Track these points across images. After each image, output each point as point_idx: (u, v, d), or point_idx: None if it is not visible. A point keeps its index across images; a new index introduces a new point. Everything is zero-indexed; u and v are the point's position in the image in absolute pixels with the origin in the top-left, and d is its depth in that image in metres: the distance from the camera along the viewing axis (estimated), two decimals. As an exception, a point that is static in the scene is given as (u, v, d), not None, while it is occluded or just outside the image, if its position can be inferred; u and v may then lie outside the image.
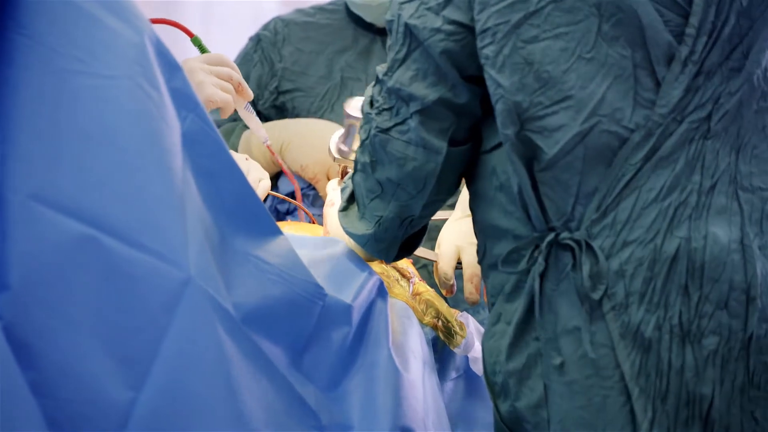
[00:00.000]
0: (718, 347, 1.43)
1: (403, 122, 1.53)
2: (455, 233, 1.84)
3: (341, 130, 1.94)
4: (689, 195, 1.44)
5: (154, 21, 1.98)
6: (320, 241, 1.77)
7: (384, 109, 1.54)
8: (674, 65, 1.45)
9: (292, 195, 2.33)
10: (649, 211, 1.44)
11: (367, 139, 1.57)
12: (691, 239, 1.43)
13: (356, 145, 1.82)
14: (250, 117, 2.05)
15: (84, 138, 1.27)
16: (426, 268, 2.31)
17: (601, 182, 1.44)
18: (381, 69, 1.55)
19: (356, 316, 1.58)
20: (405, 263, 1.89)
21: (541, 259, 1.46)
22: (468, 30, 1.48)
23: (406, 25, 1.50)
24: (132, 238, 1.26)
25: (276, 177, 2.38)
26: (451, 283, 1.82)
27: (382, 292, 1.67)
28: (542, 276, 1.46)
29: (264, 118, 2.52)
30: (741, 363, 1.44)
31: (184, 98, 1.39)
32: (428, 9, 1.49)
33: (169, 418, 1.25)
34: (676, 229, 1.44)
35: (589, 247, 1.43)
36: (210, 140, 1.41)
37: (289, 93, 2.51)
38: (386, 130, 1.54)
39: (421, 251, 1.85)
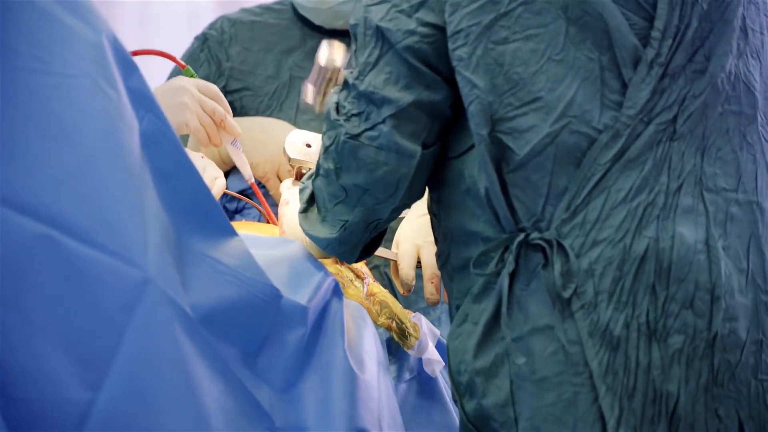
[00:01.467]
0: (683, 346, 1.45)
1: (372, 127, 1.52)
2: (413, 232, 1.84)
3: (298, 130, 1.93)
4: (657, 195, 1.46)
5: (142, 53, 1.98)
6: (274, 241, 1.77)
7: (353, 115, 1.54)
8: (641, 67, 1.47)
9: (242, 193, 2.32)
10: (618, 211, 1.46)
11: (332, 145, 1.56)
12: (659, 239, 1.45)
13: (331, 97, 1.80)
14: (236, 153, 2.06)
15: (42, 137, 1.26)
16: (378, 269, 2.31)
17: (570, 182, 1.46)
18: (350, 74, 1.55)
19: (311, 317, 1.58)
20: (358, 264, 1.88)
21: (511, 260, 1.47)
22: (441, 31, 1.49)
23: (377, 27, 1.50)
24: (90, 237, 1.25)
25: (226, 175, 2.37)
26: (413, 283, 1.83)
27: (337, 292, 1.67)
28: (512, 276, 1.47)
29: (212, 117, 2.51)
30: (705, 361, 1.46)
31: (141, 98, 1.38)
32: (400, 11, 1.49)
33: (127, 419, 1.25)
34: (645, 229, 1.45)
35: (560, 246, 1.45)
36: (166, 140, 1.40)
37: (237, 92, 2.50)
38: (356, 136, 1.54)
39: (379, 251, 1.85)
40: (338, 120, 1.55)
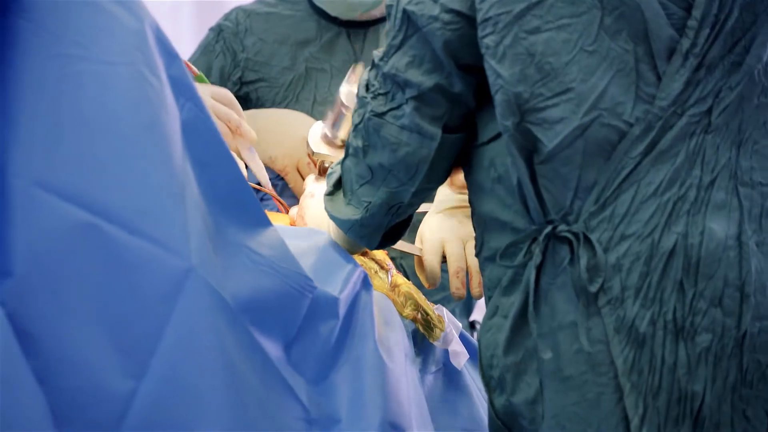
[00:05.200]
0: (711, 344, 1.42)
1: (398, 107, 1.52)
2: (438, 226, 1.83)
3: (320, 123, 1.92)
4: (688, 190, 1.44)
5: None
6: (303, 231, 1.76)
7: (379, 94, 1.53)
8: (675, 58, 1.44)
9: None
10: (648, 205, 1.43)
11: (360, 123, 1.56)
12: (687, 235, 1.43)
13: (343, 132, 1.81)
14: (254, 160, 2.06)
15: (86, 124, 1.26)
16: (395, 261, 2.31)
17: (599, 175, 1.44)
18: (377, 54, 1.55)
19: (342, 309, 1.58)
20: (382, 255, 1.88)
21: (538, 252, 1.44)
22: (466, 19, 1.47)
23: (404, 11, 1.49)
24: (134, 226, 1.25)
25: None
26: (440, 277, 1.82)
27: (366, 284, 1.67)
28: (539, 269, 1.45)
29: (227, 108, 2.50)
30: (734, 361, 1.43)
31: (182, 86, 1.38)
32: None
33: (168, 408, 1.25)
34: (674, 224, 1.43)
35: (587, 239, 1.42)
36: (206, 129, 1.40)
37: (252, 83, 2.49)
38: (381, 115, 1.53)
39: (401, 245, 1.85)
40: (366, 98, 1.55)
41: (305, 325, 1.50)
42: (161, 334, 1.24)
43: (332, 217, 1.66)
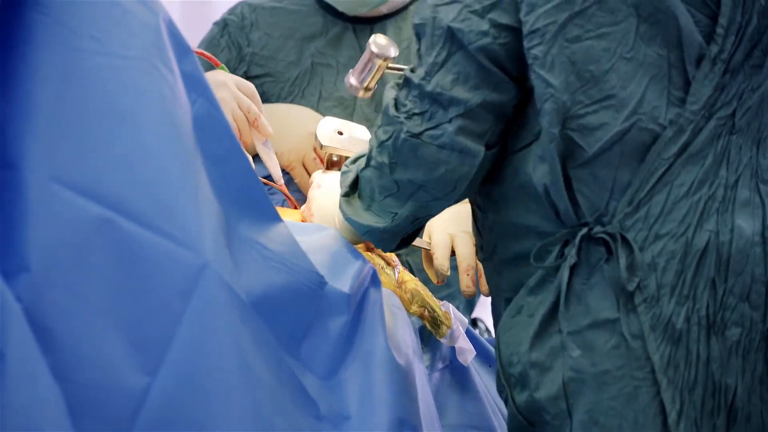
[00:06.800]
0: (740, 338, 1.48)
1: (436, 127, 1.52)
2: (446, 221, 1.83)
3: (329, 117, 1.92)
4: (717, 189, 1.50)
5: None
6: (310, 227, 1.76)
7: (414, 114, 1.53)
8: (704, 64, 1.50)
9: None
10: (681, 205, 1.49)
11: (389, 140, 1.55)
12: (719, 233, 1.48)
13: (372, 81, 1.77)
14: (267, 154, 2.05)
15: (102, 119, 1.26)
16: (399, 257, 2.30)
17: (634, 177, 1.49)
18: (414, 74, 1.54)
19: (352, 305, 1.58)
20: (389, 251, 1.88)
21: (573, 253, 1.48)
22: (513, 32, 1.50)
23: (449, 28, 1.50)
24: (149, 221, 1.25)
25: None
26: (449, 273, 1.82)
27: (375, 280, 1.66)
28: (572, 270, 1.49)
29: (233, 103, 2.50)
30: (761, 354, 1.49)
31: (194, 81, 1.38)
32: (472, 12, 1.50)
33: (182, 404, 1.24)
34: (706, 222, 1.48)
35: (624, 239, 1.47)
36: (218, 124, 1.40)
37: (258, 78, 2.49)
38: (417, 135, 1.53)
39: None
40: (398, 117, 1.54)
41: (315, 321, 1.50)
42: (176, 330, 1.24)
43: (349, 220, 1.66)
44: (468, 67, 1.50)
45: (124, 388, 1.22)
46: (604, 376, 1.47)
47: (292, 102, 2.46)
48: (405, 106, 1.54)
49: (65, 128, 1.23)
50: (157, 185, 1.26)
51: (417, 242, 1.85)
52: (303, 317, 1.48)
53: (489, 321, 2.74)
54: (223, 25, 2.54)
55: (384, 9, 2.47)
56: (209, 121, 1.38)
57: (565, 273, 1.48)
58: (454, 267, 1.93)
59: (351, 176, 1.66)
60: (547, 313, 1.50)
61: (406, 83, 1.55)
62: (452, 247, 1.84)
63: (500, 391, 1.58)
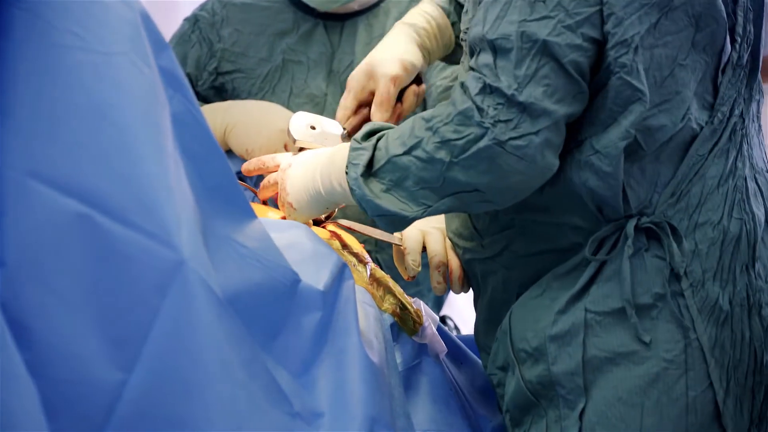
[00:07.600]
0: None
1: (520, 137, 1.54)
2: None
3: (301, 112, 1.91)
4: (738, 180, 1.64)
5: None
6: (283, 224, 1.75)
7: (499, 121, 1.54)
8: (728, 69, 1.64)
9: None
10: (713, 196, 1.64)
11: (460, 140, 1.56)
12: (745, 220, 1.63)
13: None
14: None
15: (80, 115, 1.25)
16: (370, 254, 2.30)
17: (675, 171, 1.62)
18: (504, 83, 1.54)
19: (325, 302, 1.58)
20: (360, 248, 1.88)
21: (630, 243, 1.59)
22: (597, 45, 1.57)
23: (544, 42, 1.53)
24: (127, 217, 1.25)
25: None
26: (419, 269, 1.83)
27: (348, 277, 1.67)
28: (609, 257, 1.61)
29: (202, 99, 2.50)
30: None
31: (171, 77, 1.38)
32: (566, 27, 1.54)
33: (158, 400, 1.24)
34: (734, 211, 1.63)
35: (672, 227, 1.60)
36: (194, 121, 1.40)
37: (228, 74, 2.49)
38: (502, 143, 1.54)
39: (379, 233, 1.84)
40: (483, 122, 1.55)
41: (289, 318, 1.51)
42: (152, 326, 1.24)
43: (362, 199, 1.64)
44: (557, 80, 1.55)
45: (100, 384, 1.21)
46: (633, 356, 1.58)
47: (262, 98, 2.46)
48: (488, 112, 1.55)
49: (43, 123, 1.23)
50: (134, 181, 1.26)
51: (388, 238, 1.85)
52: (277, 313, 1.49)
53: (457, 319, 2.75)
54: (194, 20, 2.54)
55: (355, 5, 2.46)
56: (186, 118, 1.38)
57: (626, 264, 1.59)
58: (424, 264, 1.94)
59: (367, 155, 1.64)
60: (575, 294, 1.61)
61: (488, 89, 1.55)
62: (423, 244, 1.84)
63: (489, 376, 1.70)
